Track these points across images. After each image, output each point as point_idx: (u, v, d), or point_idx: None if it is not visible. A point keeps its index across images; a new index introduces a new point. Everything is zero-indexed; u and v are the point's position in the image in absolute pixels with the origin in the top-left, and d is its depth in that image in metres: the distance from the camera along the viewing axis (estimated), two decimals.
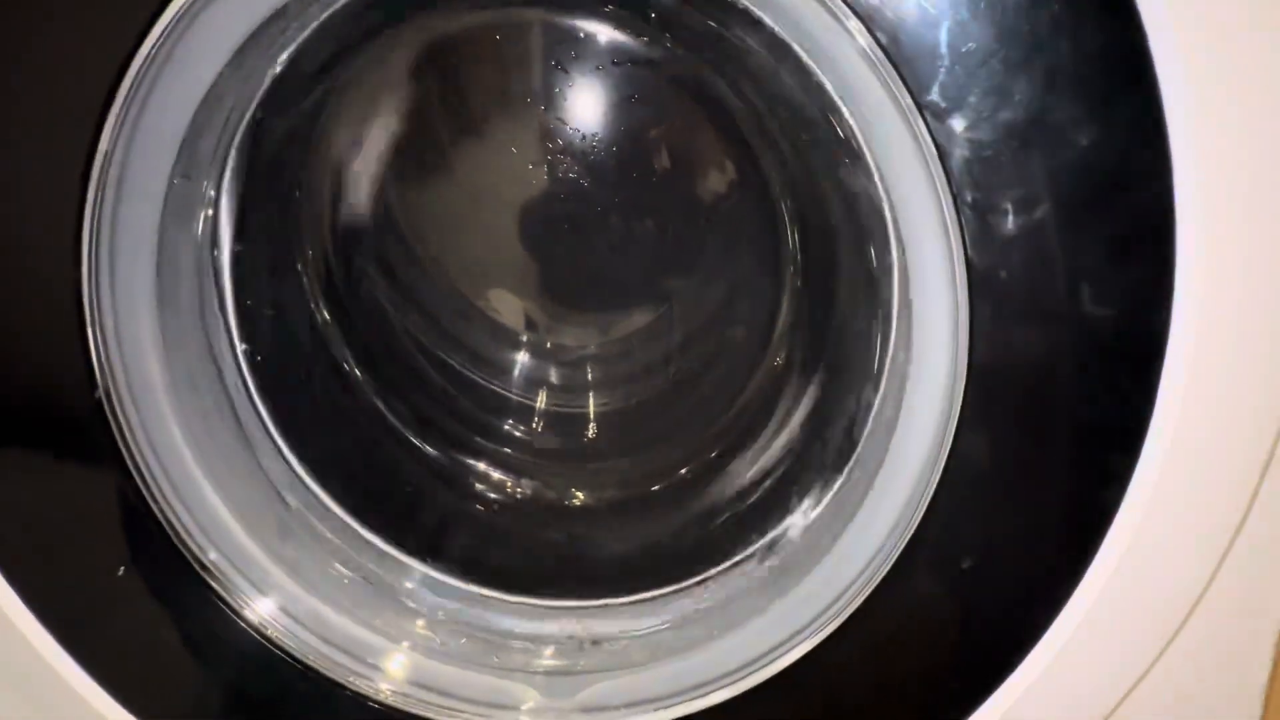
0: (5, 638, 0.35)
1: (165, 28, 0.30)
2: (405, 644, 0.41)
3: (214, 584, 0.38)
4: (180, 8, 0.30)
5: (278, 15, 0.34)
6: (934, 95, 0.27)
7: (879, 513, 0.35)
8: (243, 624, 0.38)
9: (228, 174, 0.40)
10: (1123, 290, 0.28)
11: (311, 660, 0.39)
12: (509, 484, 0.50)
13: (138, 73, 0.31)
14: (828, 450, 0.42)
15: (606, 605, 0.44)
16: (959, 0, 0.27)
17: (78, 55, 0.31)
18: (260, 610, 0.39)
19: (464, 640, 0.42)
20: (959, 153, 0.28)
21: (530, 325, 0.52)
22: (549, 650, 0.43)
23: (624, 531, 0.49)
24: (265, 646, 0.38)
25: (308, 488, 0.44)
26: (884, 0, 0.27)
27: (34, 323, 0.34)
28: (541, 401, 0.53)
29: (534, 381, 0.53)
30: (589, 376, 0.53)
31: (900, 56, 0.27)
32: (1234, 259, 0.27)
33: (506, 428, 0.52)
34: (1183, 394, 0.28)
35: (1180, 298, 0.27)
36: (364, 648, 0.40)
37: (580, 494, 0.51)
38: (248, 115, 0.38)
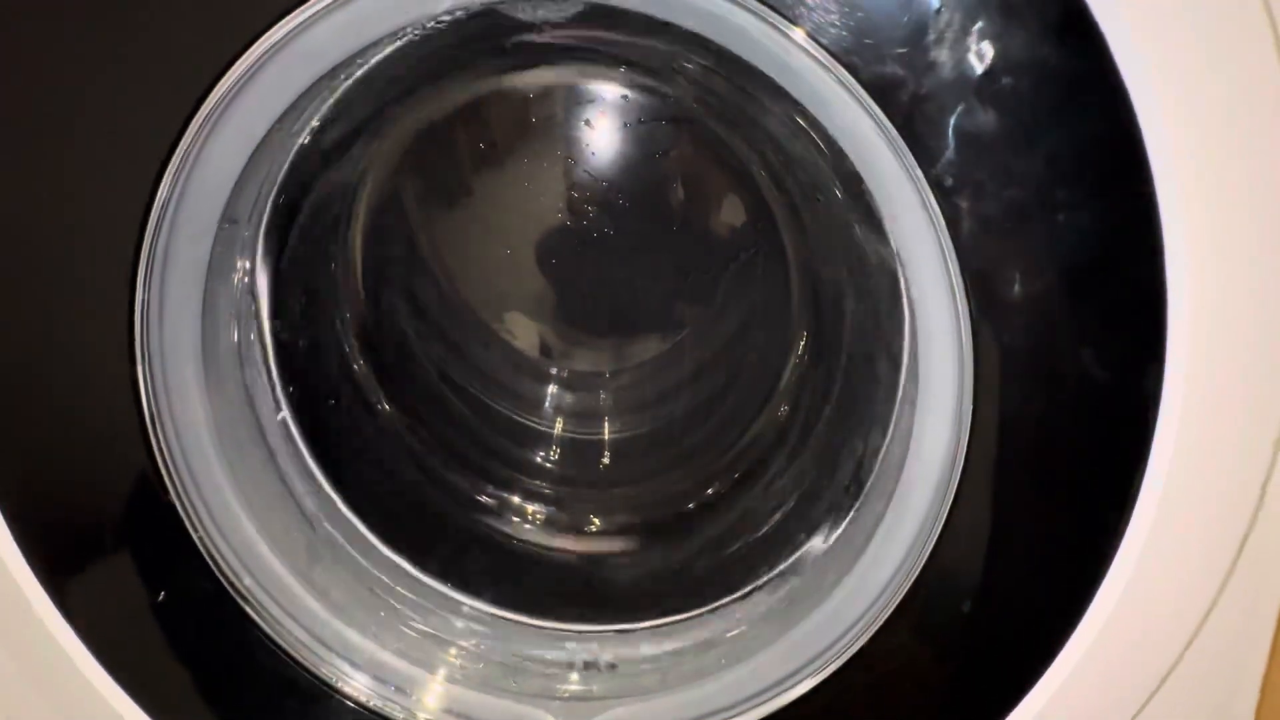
0: (52, 660, 0.37)
1: (226, 88, 0.33)
2: (427, 668, 0.43)
3: (249, 610, 0.39)
4: (241, 71, 0.32)
5: (327, 76, 0.36)
6: (944, 172, 0.29)
7: (885, 552, 0.37)
8: (274, 647, 0.40)
9: (269, 217, 0.42)
10: (1119, 355, 0.30)
11: (338, 683, 0.41)
12: (527, 509, 0.52)
13: (199, 128, 0.33)
14: (835, 488, 0.43)
15: (620, 630, 0.46)
16: (969, 87, 0.29)
17: (145, 111, 0.33)
18: (291, 634, 0.40)
19: (483, 665, 0.44)
20: (967, 224, 0.30)
21: (549, 355, 0.53)
22: (565, 675, 0.44)
23: (637, 558, 0.51)
24: (295, 669, 0.40)
25: (333, 512, 0.46)
26: (899, 83, 0.29)
27: (89, 357, 0.36)
28: (558, 429, 0.54)
29: (551, 410, 0.54)
30: (604, 405, 0.55)
31: (913, 135, 0.29)
32: (1219, 328, 0.29)
33: (525, 454, 0.54)
34: (1174, 451, 0.30)
35: (1171, 363, 0.29)
36: (389, 671, 0.42)
37: (595, 520, 0.52)
38: (289, 165, 0.40)
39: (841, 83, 0.30)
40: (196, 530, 0.39)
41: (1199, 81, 0.27)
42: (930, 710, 0.35)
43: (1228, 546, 0.31)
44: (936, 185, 0.30)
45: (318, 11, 0.32)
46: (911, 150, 0.29)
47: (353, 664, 0.41)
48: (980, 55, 0.28)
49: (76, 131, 0.33)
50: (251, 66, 0.32)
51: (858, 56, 0.29)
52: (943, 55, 0.28)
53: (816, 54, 0.30)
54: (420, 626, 0.45)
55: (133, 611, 0.38)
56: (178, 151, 0.33)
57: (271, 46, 0.32)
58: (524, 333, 0.53)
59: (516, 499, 0.52)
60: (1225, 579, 0.31)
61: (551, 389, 0.54)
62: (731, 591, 0.45)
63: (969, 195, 0.30)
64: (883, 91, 0.29)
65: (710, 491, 0.51)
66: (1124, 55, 0.27)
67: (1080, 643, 0.32)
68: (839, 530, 0.42)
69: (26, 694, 0.38)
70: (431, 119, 0.45)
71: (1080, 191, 0.29)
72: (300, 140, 0.40)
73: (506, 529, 0.51)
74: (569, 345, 0.53)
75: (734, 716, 0.39)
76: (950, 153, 0.29)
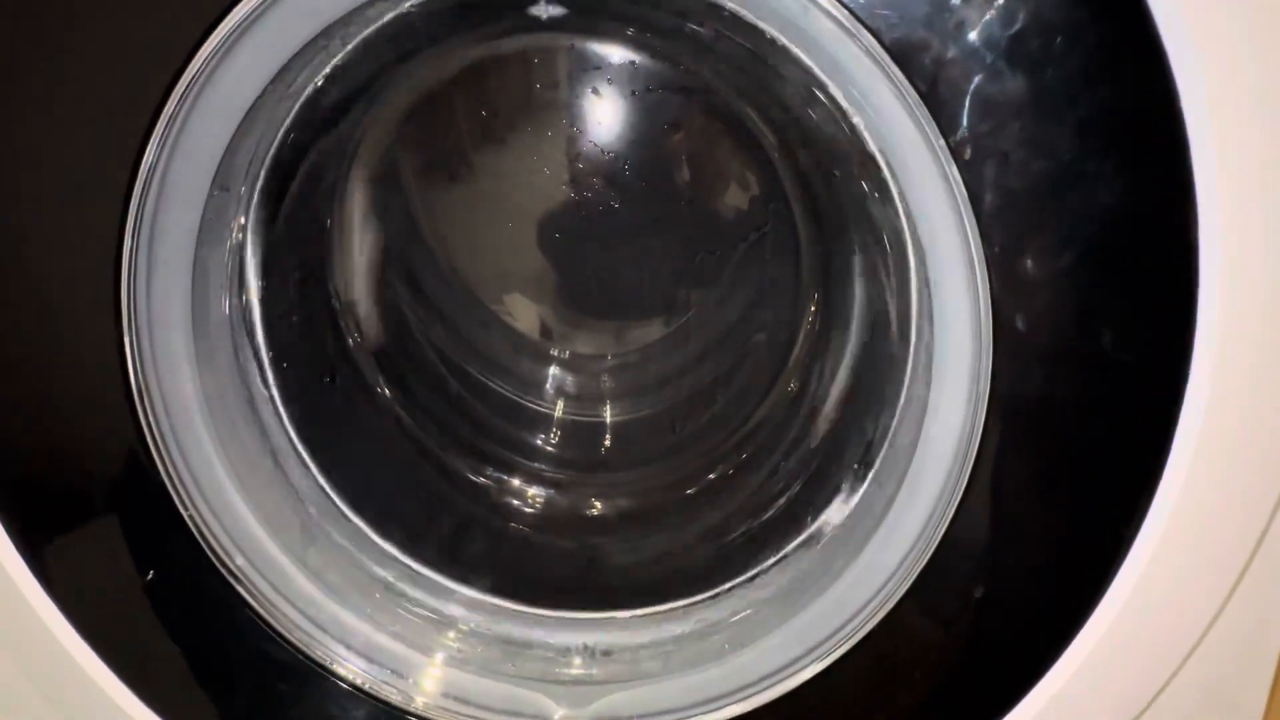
0: (40, 641, 0.36)
1: (212, 49, 0.31)
2: (425, 651, 0.42)
3: (242, 590, 0.38)
4: (227, 30, 0.31)
5: (321, 36, 0.34)
6: (967, 142, 0.28)
7: (895, 535, 0.36)
8: (267, 629, 0.39)
9: (262, 185, 0.40)
10: (1144, 338, 0.29)
11: (333, 665, 0.40)
12: (526, 493, 0.51)
13: (186, 87, 0.32)
14: (844, 470, 0.42)
15: (621, 616, 0.45)
16: (996, 52, 0.27)
17: (129, 70, 0.31)
18: (285, 615, 0.39)
19: (481, 649, 0.43)
20: (990, 197, 0.29)
21: (550, 336, 0.52)
22: (565, 659, 0.44)
23: (638, 543, 0.50)
24: (288, 651, 0.39)
25: (328, 496, 0.45)
26: (922, 47, 0.28)
27: (74, 326, 0.35)
28: (559, 411, 0.53)
29: (552, 392, 0.53)
30: (606, 387, 0.54)
31: (936, 102, 0.28)
32: (1253, 313, 0.28)
33: (525, 437, 0.53)
34: (1198, 439, 0.29)
35: (1199, 348, 0.28)
36: (385, 654, 0.41)
37: (596, 504, 0.51)
38: (283, 130, 0.39)
39: (862, 45, 0.29)
40: (187, 508, 0.38)
41: (1244, 49, 0.26)
42: (939, 698, 0.35)
43: (1249, 535, 0.31)
44: (958, 156, 0.28)
45: None
46: (934, 118, 0.28)
47: (348, 646, 0.40)
48: (1010, 16, 0.27)
49: (58, 91, 0.31)
50: (242, 22, 0.31)
51: (880, 17, 0.28)
52: (970, 16, 0.27)
53: (837, 14, 0.28)
54: (418, 609, 0.44)
55: (122, 592, 0.37)
56: (164, 114, 0.32)
57: (264, 0, 0.31)
58: (524, 312, 0.51)
59: (516, 482, 0.51)
60: (1245, 567, 0.31)
61: (552, 370, 0.53)
62: (736, 576, 0.44)
63: (993, 167, 0.28)
64: (906, 55, 0.28)
65: (714, 475, 0.50)
66: (1165, 18, 0.26)
67: (1094, 631, 0.31)
68: (847, 513, 0.41)
69: (13, 677, 0.37)
70: (431, 84, 0.44)
71: (1111, 164, 0.28)
72: (295, 103, 0.38)
73: (505, 513, 0.50)
74: (570, 326, 0.52)
75: (738, 701, 0.38)
76: (974, 121, 0.28)
